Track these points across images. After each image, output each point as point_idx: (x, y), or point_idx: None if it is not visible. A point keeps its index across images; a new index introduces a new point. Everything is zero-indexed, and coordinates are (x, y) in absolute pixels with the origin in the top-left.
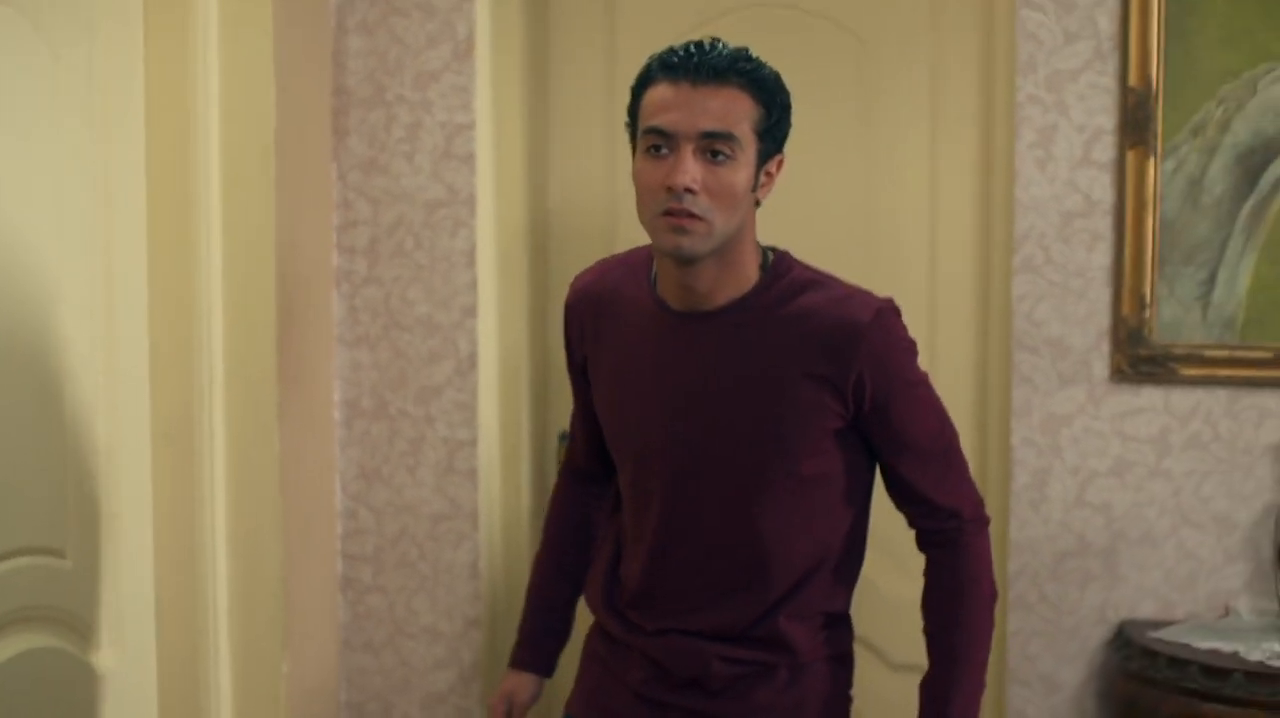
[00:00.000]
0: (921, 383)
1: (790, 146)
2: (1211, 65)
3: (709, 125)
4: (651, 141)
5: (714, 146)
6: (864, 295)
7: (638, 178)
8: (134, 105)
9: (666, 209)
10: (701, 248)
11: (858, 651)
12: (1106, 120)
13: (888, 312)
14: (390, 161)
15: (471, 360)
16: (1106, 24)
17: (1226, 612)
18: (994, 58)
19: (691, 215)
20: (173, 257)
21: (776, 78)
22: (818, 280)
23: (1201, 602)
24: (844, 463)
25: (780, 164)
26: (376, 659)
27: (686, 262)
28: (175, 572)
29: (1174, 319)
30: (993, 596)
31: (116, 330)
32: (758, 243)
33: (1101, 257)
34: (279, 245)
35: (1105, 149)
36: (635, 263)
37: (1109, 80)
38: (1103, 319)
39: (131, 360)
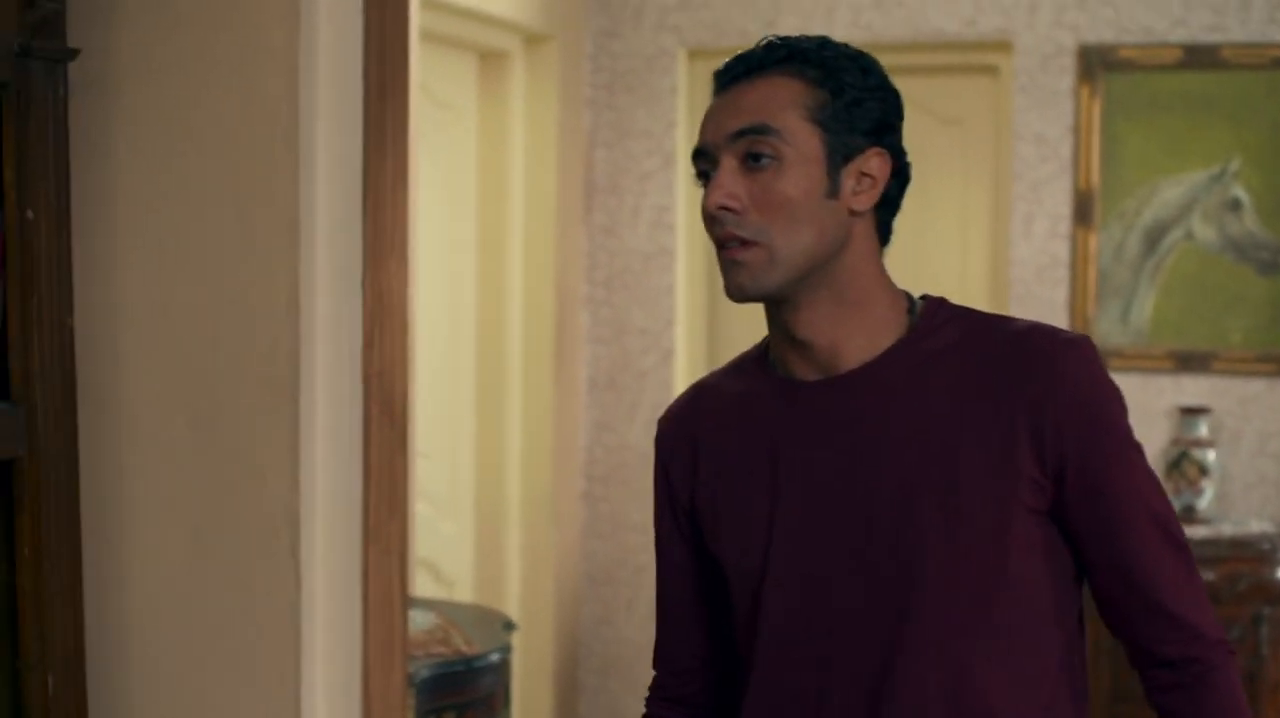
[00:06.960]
0: (1139, 447)
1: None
2: (1129, 177)
3: (737, 123)
4: (698, 168)
5: (751, 148)
6: (1052, 327)
7: None
8: (470, 191)
9: (718, 242)
10: (766, 280)
11: None
12: (1066, 209)
13: (1087, 345)
14: (621, 228)
15: (670, 353)
16: (1066, 152)
17: None
18: (998, 173)
19: (743, 242)
20: (492, 284)
21: (850, 55)
22: (989, 318)
23: None
24: (1046, 564)
25: (882, 161)
26: (604, 543)
27: (773, 303)
28: (489, 476)
29: (1107, 329)
30: None
31: (459, 331)
32: (891, 281)
33: (1063, 293)
34: (556, 278)
35: (1065, 227)
36: (744, 359)
37: (1067, 185)
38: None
39: (463, 352)
